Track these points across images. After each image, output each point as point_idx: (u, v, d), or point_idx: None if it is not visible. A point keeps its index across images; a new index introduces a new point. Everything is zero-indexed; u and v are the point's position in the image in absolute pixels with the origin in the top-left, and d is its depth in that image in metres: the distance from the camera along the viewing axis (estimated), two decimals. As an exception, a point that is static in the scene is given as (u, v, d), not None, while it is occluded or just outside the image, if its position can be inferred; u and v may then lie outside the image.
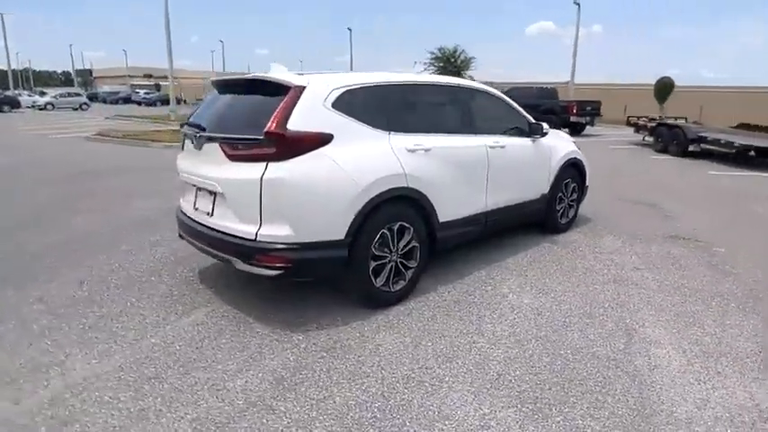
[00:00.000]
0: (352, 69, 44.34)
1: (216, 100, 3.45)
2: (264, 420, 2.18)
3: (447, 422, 2.18)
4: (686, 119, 15.18)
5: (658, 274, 4.00)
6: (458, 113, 3.90)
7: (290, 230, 2.80)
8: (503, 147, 4.10)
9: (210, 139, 3.03)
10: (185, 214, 3.45)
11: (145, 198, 6.42)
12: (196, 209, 3.28)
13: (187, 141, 3.36)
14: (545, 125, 4.60)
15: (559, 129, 7.94)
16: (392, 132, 3.26)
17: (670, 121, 13.72)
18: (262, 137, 2.75)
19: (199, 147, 3.11)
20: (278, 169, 2.74)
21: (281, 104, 2.81)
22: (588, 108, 18.31)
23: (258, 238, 2.82)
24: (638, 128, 15.04)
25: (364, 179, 2.98)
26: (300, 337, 2.90)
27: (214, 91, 3.55)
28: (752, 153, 12.01)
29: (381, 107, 3.29)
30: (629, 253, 4.55)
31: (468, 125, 3.92)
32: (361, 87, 3.19)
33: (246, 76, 3.18)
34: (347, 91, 3.08)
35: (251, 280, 3.76)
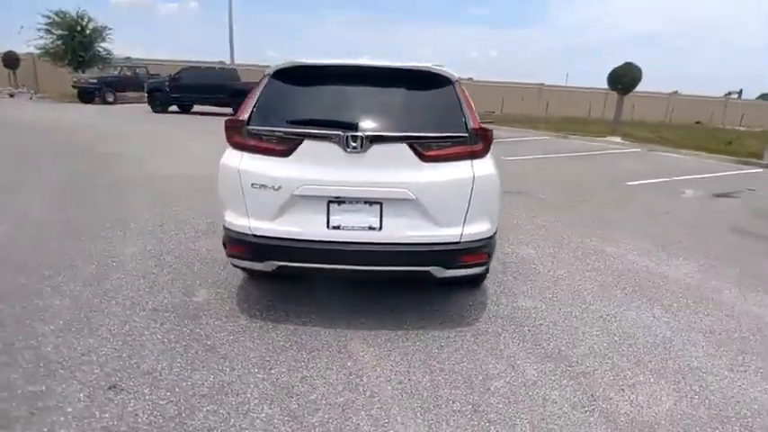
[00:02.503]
0: None
1: (328, 92, 3.06)
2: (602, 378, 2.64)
3: (654, 325, 3.27)
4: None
5: (550, 217, 5.95)
6: None
7: (489, 224, 3.02)
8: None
9: (389, 140, 2.80)
10: (300, 239, 2.88)
11: None
12: (335, 227, 2.84)
13: (311, 144, 2.80)
14: None
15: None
16: None
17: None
18: (465, 134, 2.86)
19: (363, 149, 2.74)
20: (483, 166, 2.91)
21: (463, 99, 2.93)
22: None
23: (462, 239, 2.90)
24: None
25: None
26: (468, 336, 3.09)
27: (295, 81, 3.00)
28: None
29: None
30: (513, 206, 6.36)
31: None
32: None
33: (404, 66, 2.92)
34: None
35: (305, 302, 3.49)
